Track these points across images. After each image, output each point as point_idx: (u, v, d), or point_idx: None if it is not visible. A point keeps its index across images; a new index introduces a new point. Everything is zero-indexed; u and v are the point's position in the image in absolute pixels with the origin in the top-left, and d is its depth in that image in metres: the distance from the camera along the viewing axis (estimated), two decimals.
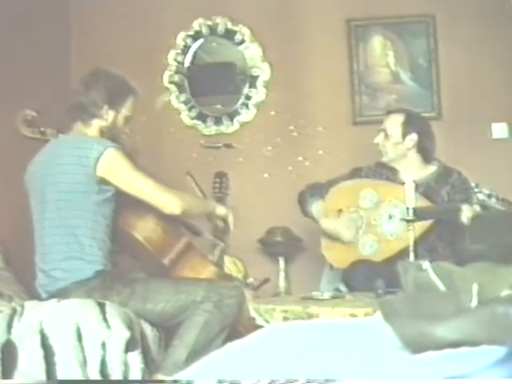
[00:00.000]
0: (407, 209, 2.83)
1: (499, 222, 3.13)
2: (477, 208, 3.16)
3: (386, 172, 3.45)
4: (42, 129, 3.05)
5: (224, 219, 3.08)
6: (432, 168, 3.44)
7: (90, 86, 2.81)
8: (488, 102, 4.25)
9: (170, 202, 2.74)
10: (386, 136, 3.40)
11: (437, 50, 4.34)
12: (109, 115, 2.82)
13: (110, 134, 2.83)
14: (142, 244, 2.85)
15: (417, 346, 1.14)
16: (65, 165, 2.71)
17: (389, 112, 3.54)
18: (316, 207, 3.47)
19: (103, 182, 2.69)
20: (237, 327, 2.75)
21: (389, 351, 1.21)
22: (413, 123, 3.40)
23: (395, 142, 3.39)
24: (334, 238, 3.43)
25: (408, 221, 2.84)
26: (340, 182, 3.50)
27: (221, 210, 3.07)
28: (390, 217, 3.29)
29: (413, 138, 3.37)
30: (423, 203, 3.19)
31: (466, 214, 3.11)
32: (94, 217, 2.71)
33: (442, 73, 4.33)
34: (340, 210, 3.43)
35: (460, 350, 1.07)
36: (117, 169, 2.70)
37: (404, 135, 3.37)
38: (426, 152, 3.41)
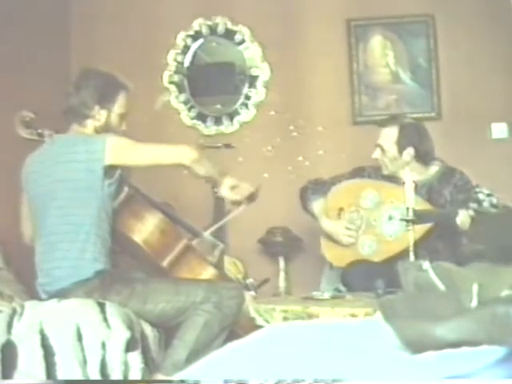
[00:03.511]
0: (407, 208, 2.83)
1: (499, 222, 3.12)
2: (471, 213, 3.14)
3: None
4: (39, 130, 3.04)
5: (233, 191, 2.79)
6: (434, 168, 3.43)
7: (80, 87, 2.80)
8: (488, 102, 4.24)
9: (183, 150, 2.72)
10: (383, 151, 3.39)
11: (436, 50, 4.34)
12: (101, 115, 2.80)
13: (106, 133, 2.82)
14: (140, 247, 2.85)
15: (417, 346, 1.14)
16: (68, 163, 2.69)
17: (381, 125, 3.46)
18: (317, 205, 3.48)
19: (111, 169, 2.67)
20: (234, 329, 2.74)
21: (389, 351, 1.21)
22: (407, 136, 3.36)
23: (393, 158, 3.38)
24: (333, 238, 3.44)
25: (407, 221, 2.84)
26: (342, 180, 3.52)
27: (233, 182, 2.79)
28: (390, 218, 3.30)
29: (409, 152, 3.35)
30: (424, 206, 3.20)
31: (461, 218, 3.11)
32: (98, 213, 2.70)
33: (441, 73, 4.33)
34: (341, 209, 3.45)
35: (460, 350, 1.08)
36: (124, 149, 2.69)
37: (400, 151, 3.36)
38: (425, 157, 3.40)
